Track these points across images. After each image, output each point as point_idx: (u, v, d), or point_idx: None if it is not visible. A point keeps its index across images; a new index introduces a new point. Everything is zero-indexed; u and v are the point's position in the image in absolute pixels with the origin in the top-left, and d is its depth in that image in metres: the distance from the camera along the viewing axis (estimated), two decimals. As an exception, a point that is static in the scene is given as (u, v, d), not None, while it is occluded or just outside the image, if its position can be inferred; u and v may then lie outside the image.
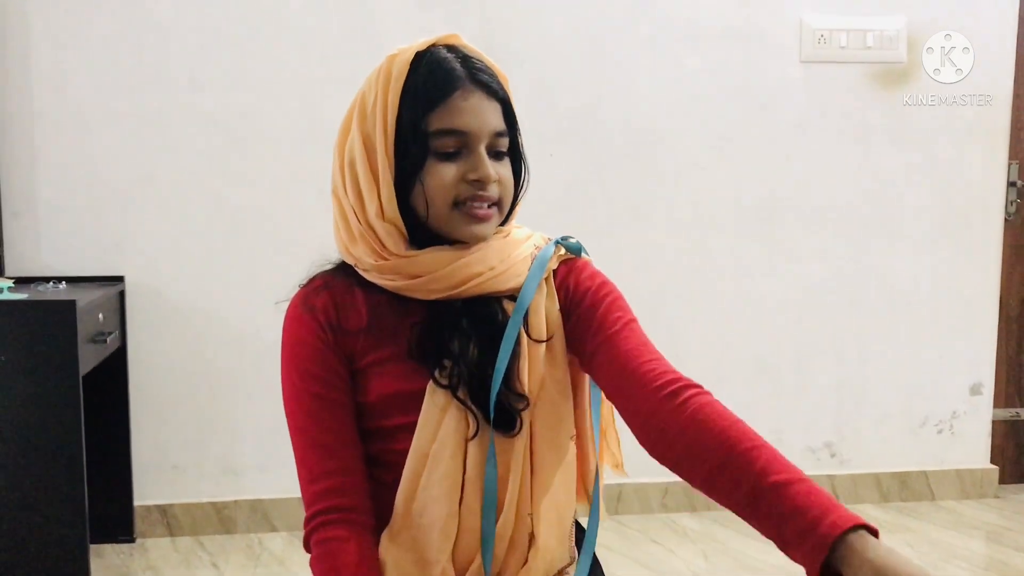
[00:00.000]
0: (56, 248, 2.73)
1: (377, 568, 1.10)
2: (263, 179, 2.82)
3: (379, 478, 1.14)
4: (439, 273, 1.10)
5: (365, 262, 1.12)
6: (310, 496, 1.10)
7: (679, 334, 3.08)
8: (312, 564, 1.10)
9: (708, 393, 1.06)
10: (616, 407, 1.11)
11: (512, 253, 1.14)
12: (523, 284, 1.13)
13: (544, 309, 1.14)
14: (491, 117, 1.11)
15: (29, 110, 2.70)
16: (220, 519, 2.85)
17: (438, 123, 1.08)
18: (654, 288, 3.04)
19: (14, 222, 2.71)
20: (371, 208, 1.10)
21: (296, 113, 2.82)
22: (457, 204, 1.10)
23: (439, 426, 1.10)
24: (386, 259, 1.11)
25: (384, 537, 1.12)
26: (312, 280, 1.16)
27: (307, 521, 1.10)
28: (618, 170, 3.01)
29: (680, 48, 3.00)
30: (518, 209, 1.19)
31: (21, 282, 2.57)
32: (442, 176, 1.09)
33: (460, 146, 1.10)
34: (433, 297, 1.11)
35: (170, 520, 2.83)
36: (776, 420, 3.16)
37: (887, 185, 3.16)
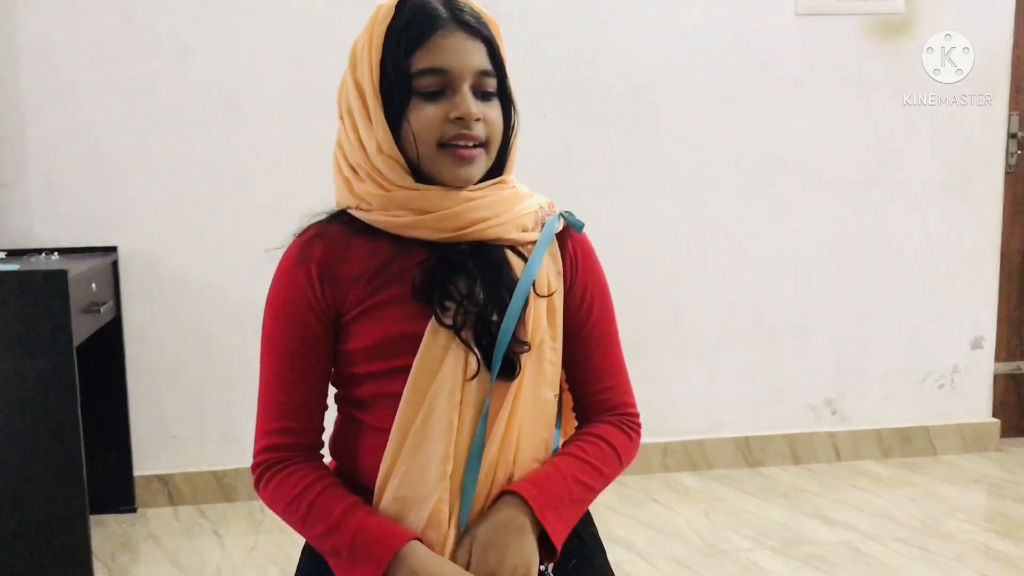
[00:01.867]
0: (48, 219, 2.71)
1: (330, 476, 1.13)
2: (256, 146, 2.79)
3: (368, 422, 1.14)
4: (447, 211, 1.10)
5: (372, 198, 1.12)
6: (264, 441, 1.15)
7: (678, 295, 3.06)
8: (268, 503, 1.16)
9: (627, 431, 1.21)
10: (566, 384, 1.23)
11: (516, 206, 1.15)
12: (528, 242, 1.15)
13: (546, 267, 1.16)
14: (474, 56, 1.10)
15: (16, 81, 2.67)
16: (221, 487, 2.85)
17: (420, 63, 1.09)
18: (652, 249, 3.03)
19: (5, 194, 2.69)
20: (371, 147, 1.11)
21: (287, 78, 2.78)
22: (443, 145, 1.10)
23: (439, 366, 1.10)
24: (390, 191, 1.11)
25: (379, 476, 1.12)
26: (306, 230, 1.15)
27: (255, 466, 1.15)
28: (614, 130, 2.98)
29: (675, 4, 2.96)
30: (513, 156, 1.18)
31: (13, 254, 2.56)
32: (426, 115, 1.09)
33: (443, 85, 1.10)
34: (437, 237, 1.11)
35: (171, 489, 2.84)
36: (777, 378, 3.16)
37: (887, 139, 3.13)
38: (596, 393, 1.21)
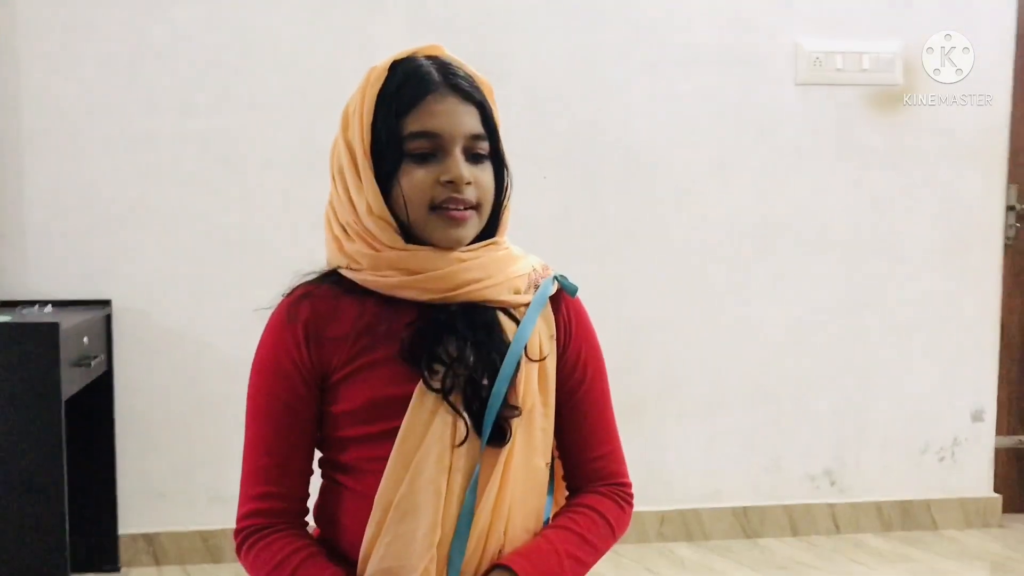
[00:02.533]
0: (43, 271, 2.70)
1: (312, 545, 1.11)
2: (254, 202, 2.79)
3: (352, 488, 1.11)
4: (437, 272, 1.10)
5: (361, 258, 1.11)
6: (247, 506, 1.13)
7: (675, 359, 3.04)
8: (248, 570, 1.13)
9: (620, 502, 1.19)
10: (557, 452, 1.20)
11: (509, 267, 1.15)
12: (520, 304, 1.14)
13: (539, 331, 1.15)
14: (465, 120, 1.11)
15: (18, 132, 2.68)
16: (207, 548, 2.79)
17: (412, 126, 1.10)
18: (650, 313, 3.01)
19: (1, 245, 2.68)
20: (361, 207, 1.11)
21: (287, 136, 2.80)
22: (434, 208, 1.10)
23: (426, 431, 1.07)
24: (380, 251, 1.11)
25: (363, 545, 1.09)
26: (295, 289, 1.14)
27: (237, 531, 1.13)
28: (613, 194, 2.99)
29: (675, 72, 2.99)
30: (506, 218, 1.18)
31: (7, 305, 2.54)
32: (417, 178, 1.09)
33: (434, 148, 1.10)
34: (427, 298, 1.10)
35: (156, 549, 2.78)
36: (775, 447, 3.12)
37: (885, 208, 3.13)
38: (588, 462, 1.19)
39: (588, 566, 1.15)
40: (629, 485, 1.20)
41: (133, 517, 2.75)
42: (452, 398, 1.08)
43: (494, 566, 1.09)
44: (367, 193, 1.10)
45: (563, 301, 1.18)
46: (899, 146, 3.11)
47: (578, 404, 1.18)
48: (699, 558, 2.93)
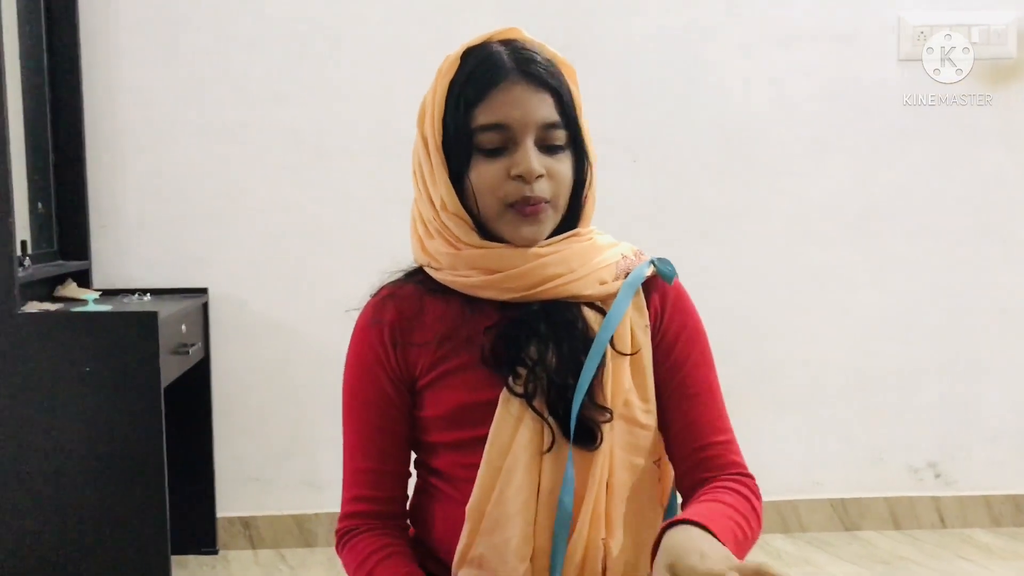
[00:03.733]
0: (142, 261, 2.76)
1: (395, 544, 1.10)
2: (345, 193, 2.81)
3: (448, 494, 1.09)
4: (516, 271, 1.06)
5: (441, 257, 1.09)
6: (345, 508, 1.13)
7: (773, 348, 2.95)
8: (344, 566, 1.13)
9: (750, 497, 1.09)
10: (665, 450, 1.13)
11: (594, 258, 1.09)
12: (608, 295, 1.09)
13: (631, 322, 1.09)
14: (537, 108, 1.05)
15: (116, 126, 2.75)
16: (301, 532, 2.84)
17: (481, 118, 1.05)
18: (747, 300, 2.93)
19: (102, 235, 2.75)
20: (437, 203, 1.08)
21: (376, 126, 2.80)
22: (507, 204, 1.06)
23: (513, 438, 1.04)
24: (459, 249, 1.08)
25: (456, 556, 1.06)
26: (380, 291, 1.13)
27: (336, 531, 1.14)
28: (708, 177, 2.91)
29: (772, 50, 2.90)
30: (590, 208, 1.13)
31: (108, 294, 2.61)
32: (487, 174, 1.06)
33: (505, 141, 1.05)
34: (508, 297, 1.07)
35: (252, 532, 2.83)
36: (877, 437, 3.01)
37: (996, 188, 2.98)
38: (698, 452, 1.10)
39: (744, 548, 1.04)
40: (753, 478, 1.11)
41: (230, 501, 2.81)
42: (536, 403, 1.04)
43: (668, 525, 0.96)
44: (441, 189, 1.07)
45: (659, 286, 1.12)
46: (1012, 123, 2.96)
47: (679, 391, 1.10)
48: (796, 550, 2.85)
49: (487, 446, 1.04)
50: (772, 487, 2.96)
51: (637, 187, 2.84)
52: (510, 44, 1.08)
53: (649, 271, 1.11)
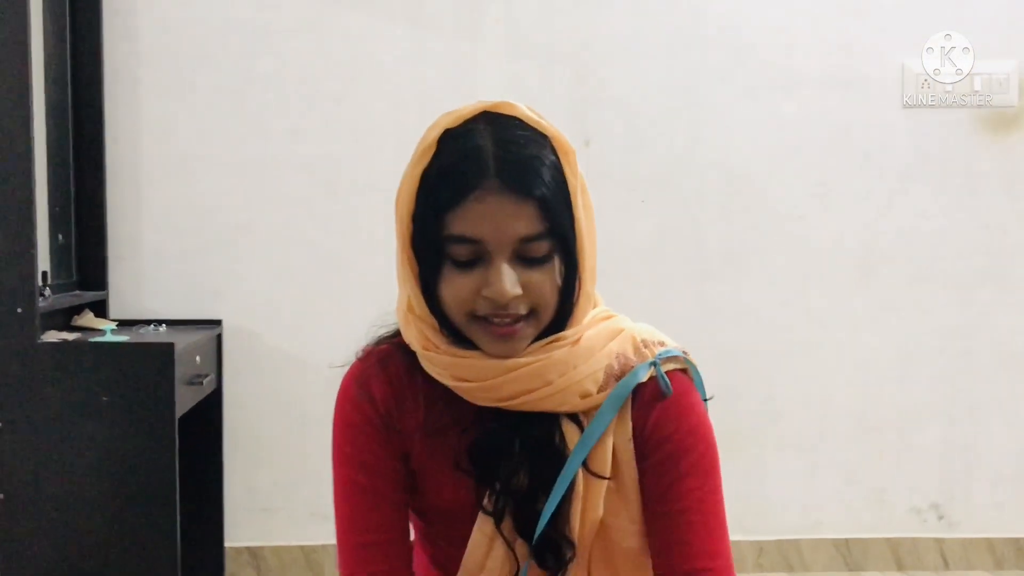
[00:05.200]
0: (158, 292, 2.81)
1: None
2: (359, 228, 2.86)
3: (434, 558, 1.11)
4: (485, 383, 0.97)
5: (416, 348, 1.02)
6: None
7: (776, 390, 2.98)
8: None
9: None
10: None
11: (577, 367, 0.98)
12: (591, 408, 0.99)
13: (613, 440, 0.99)
14: (515, 222, 0.93)
15: (136, 159, 2.80)
16: (308, 563, 2.86)
17: (451, 227, 0.94)
18: (750, 342, 2.96)
19: (119, 266, 2.80)
20: (405, 304, 1.02)
21: (389, 162, 2.81)
22: (479, 317, 0.97)
23: (487, 556, 1.00)
24: (429, 350, 1.00)
25: None
26: (369, 354, 1.06)
27: None
28: (713, 218, 2.96)
29: (778, 95, 2.95)
30: (583, 308, 1.02)
31: (124, 324, 2.65)
32: (456, 286, 0.96)
33: (476, 255, 0.95)
34: (483, 404, 0.99)
35: (259, 562, 2.85)
36: (879, 478, 3.03)
37: (998, 234, 3.02)
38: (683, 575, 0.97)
39: None
40: None
41: (239, 531, 2.83)
42: (504, 524, 0.98)
43: None
44: (408, 290, 1.00)
45: (647, 394, 1.00)
46: (1013, 171, 3.00)
47: (670, 507, 0.97)
48: (799, 590, 2.86)
49: (465, 556, 1.01)
50: (775, 527, 2.99)
51: (644, 227, 2.88)
52: (496, 128, 0.96)
53: (646, 376, 1.00)
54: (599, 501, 0.98)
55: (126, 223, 2.80)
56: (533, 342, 0.98)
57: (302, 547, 2.85)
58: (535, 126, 0.97)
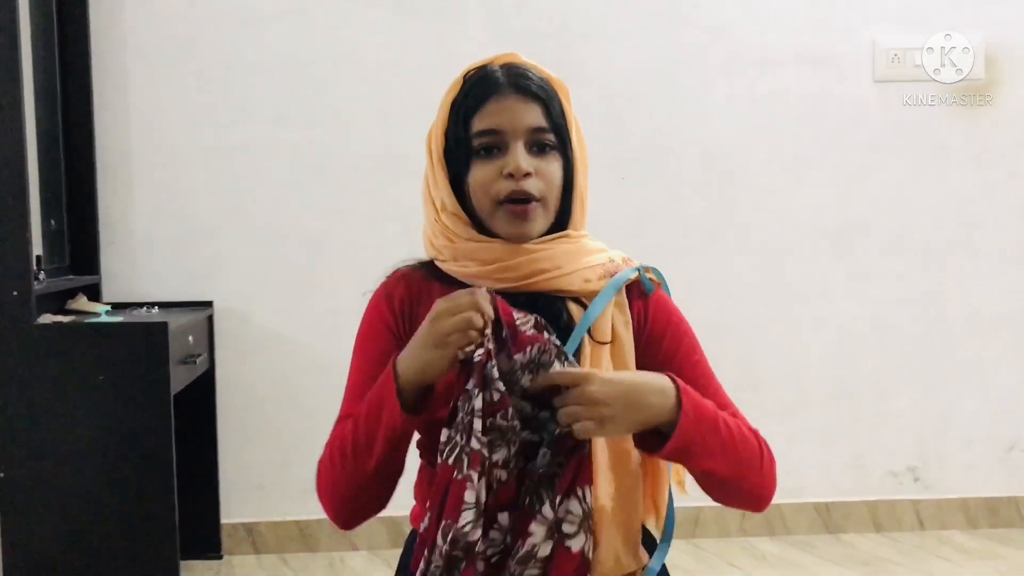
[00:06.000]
0: (150, 275, 2.86)
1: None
2: (346, 209, 2.91)
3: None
4: (508, 263, 1.17)
5: (443, 249, 1.21)
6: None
7: (755, 359, 3.06)
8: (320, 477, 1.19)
9: (753, 433, 1.18)
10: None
11: (581, 258, 1.20)
12: (592, 292, 1.18)
13: (611, 315, 1.18)
14: (526, 115, 1.18)
15: (125, 146, 2.84)
16: (303, 537, 2.92)
17: (477, 125, 1.18)
18: (730, 314, 3.03)
19: (111, 251, 2.85)
20: (438, 205, 1.22)
21: (373, 146, 2.91)
22: (500, 203, 1.17)
23: None
24: (456, 243, 1.20)
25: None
26: (393, 272, 1.26)
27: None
28: (691, 195, 3.02)
29: (752, 73, 3.01)
30: (580, 211, 1.23)
31: (118, 307, 2.70)
32: (482, 174, 1.18)
33: (498, 143, 1.18)
34: (500, 287, 1.16)
35: (255, 538, 2.91)
36: (857, 443, 3.11)
37: (967, 205, 3.10)
38: None
39: (734, 460, 1.12)
40: (764, 440, 1.17)
41: (234, 507, 2.89)
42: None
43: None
44: (442, 192, 1.21)
45: (636, 294, 1.22)
46: (981, 142, 3.08)
47: (684, 379, 1.12)
48: (781, 552, 2.95)
49: None
50: (756, 491, 3.07)
51: (623, 204, 2.94)
52: (507, 65, 1.21)
53: (634, 276, 1.21)
54: (604, 363, 1.16)
55: (117, 208, 2.85)
56: (543, 236, 1.19)
57: (297, 522, 2.92)
58: (535, 67, 1.23)
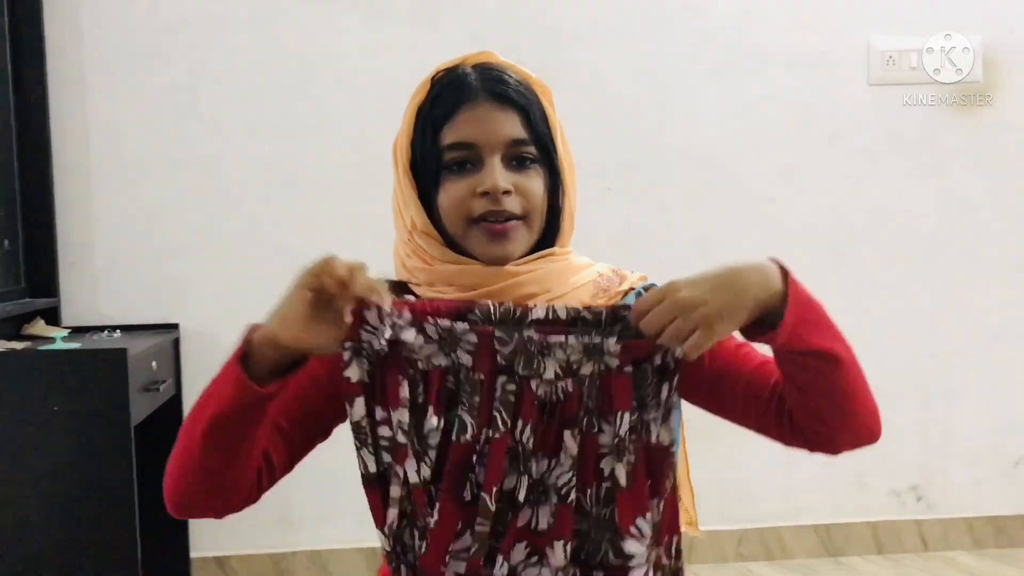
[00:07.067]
0: (112, 297, 2.73)
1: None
2: (318, 225, 2.79)
3: None
4: (491, 288, 1.05)
5: (418, 272, 1.10)
6: None
7: (750, 373, 2.95)
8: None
9: None
10: (751, 427, 1.13)
11: (570, 278, 1.09)
12: None
13: None
14: (503, 125, 1.06)
15: (85, 161, 2.72)
16: (278, 570, 2.79)
17: (447, 137, 1.07)
18: (722, 325, 2.92)
19: (71, 272, 2.72)
20: (408, 224, 1.11)
21: (348, 157, 2.79)
22: (474, 221, 1.06)
23: None
24: (432, 265, 1.08)
25: None
26: None
27: None
28: (681, 203, 2.92)
29: (744, 76, 2.92)
30: (567, 226, 1.12)
31: (77, 331, 2.58)
32: (454, 191, 1.06)
33: (471, 158, 1.06)
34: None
35: (227, 572, 2.79)
36: (857, 463, 2.98)
37: (967, 212, 3.01)
38: (774, 390, 1.07)
39: (850, 350, 1.04)
40: None
41: (204, 540, 2.76)
42: None
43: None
44: (411, 210, 1.09)
45: None
46: (981, 146, 2.99)
47: (734, 372, 1.09)
48: (780, 579, 2.83)
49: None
50: (755, 515, 2.96)
51: (611, 214, 2.84)
52: (480, 66, 1.09)
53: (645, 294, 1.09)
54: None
55: (76, 227, 2.72)
56: (528, 254, 1.08)
57: (270, 555, 2.79)
58: (511, 67, 1.11)
